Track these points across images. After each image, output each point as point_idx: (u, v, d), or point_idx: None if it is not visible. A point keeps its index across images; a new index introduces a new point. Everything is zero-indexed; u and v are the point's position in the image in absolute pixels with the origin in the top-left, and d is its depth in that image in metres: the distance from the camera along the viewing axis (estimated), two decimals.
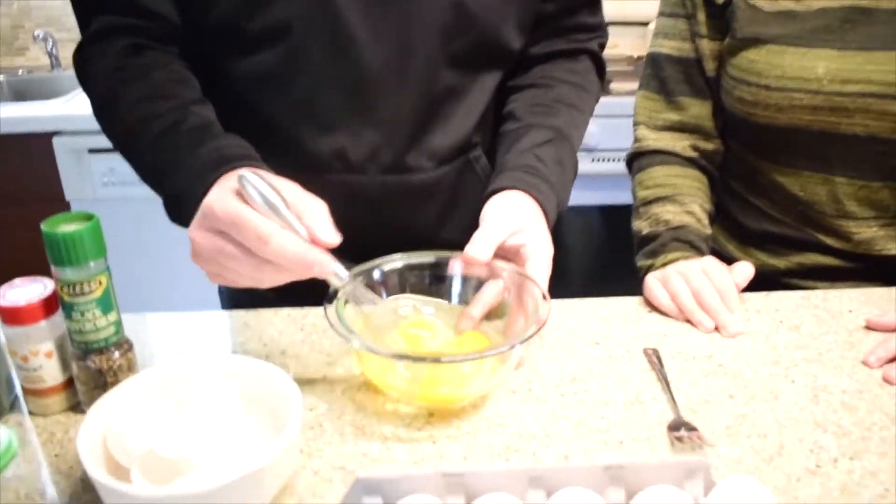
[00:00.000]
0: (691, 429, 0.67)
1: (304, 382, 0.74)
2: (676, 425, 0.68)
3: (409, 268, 0.77)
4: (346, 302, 0.71)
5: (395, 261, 0.77)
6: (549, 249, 0.77)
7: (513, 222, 0.76)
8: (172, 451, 0.56)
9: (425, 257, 0.77)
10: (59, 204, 1.98)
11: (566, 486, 0.53)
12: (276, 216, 0.61)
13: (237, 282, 0.65)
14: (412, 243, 0.79)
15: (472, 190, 0.88)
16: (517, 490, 0.53)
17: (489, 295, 0.76)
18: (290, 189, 0.64)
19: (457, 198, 0.94)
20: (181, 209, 0.69)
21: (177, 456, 0.56)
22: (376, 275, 0.75)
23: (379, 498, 0.53)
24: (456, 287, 0.78)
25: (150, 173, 0.77)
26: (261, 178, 0.61)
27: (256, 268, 0.62)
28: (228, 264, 0.62)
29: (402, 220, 0.92)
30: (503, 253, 0.76)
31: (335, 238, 0.62)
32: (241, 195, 0.61)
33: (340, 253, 0.64)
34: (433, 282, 0.77)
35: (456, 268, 0.76)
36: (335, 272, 0.64)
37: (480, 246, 0.73)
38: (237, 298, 1.05)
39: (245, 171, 0.62)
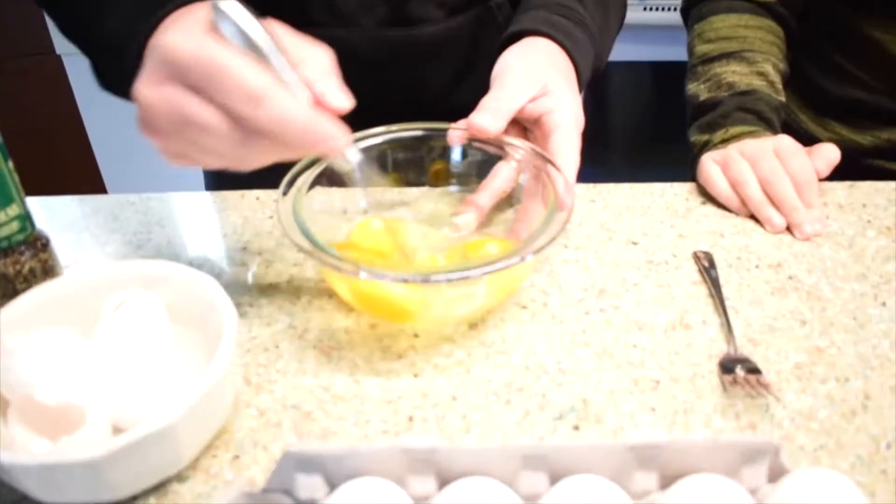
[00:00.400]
0: (751, 369, 0.52)
1: (265, 288, 0.59)
2: (731, 362, 0.52)
3: (392, 145, 0.60)
4: (313, 187, 0.55)
5: (374, 136, 0.59)
6: (578, 120, 0.59)
7: (533, 82, 0.59)
8: (55, 396, 0.42)
9: (412, 130, 0.60)
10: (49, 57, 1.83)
11: (576, 470, 0.38)
12: (268, 66, 0.42)
13: (206, 161, 0.46)
14: (418, 114, 0.62)
15: (492, 48, 0.69)
16: (508, 471, 0.39)
17: (498, 181, 0.59)
18: (281, 31, 0.45)
19: (473, 58, 0.76)
20: (119, 62, 0.50)
21: (61, 403, 0.42)
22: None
23: (318, 476, 0.39)
24: (454, 170, 0.61)
25: (72, 16, 0.59)
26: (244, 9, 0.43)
27: (242, 142, 0.43)
28: (198, 137, 0.44)
29: (405, 86, 0.75)
30: (520, 123, 0.60)
31: (347, 101, 0.45)
32: (215, 34, 0.42)
33: None
34: (422, 163, 0.61)
35: (455, 139, 0.59)
36: (345, 151, 0.46)
37: (490, 114, 0.57)
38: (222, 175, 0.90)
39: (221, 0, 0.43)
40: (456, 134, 0.59)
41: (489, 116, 0.57)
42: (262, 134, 0.42)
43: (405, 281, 0.48)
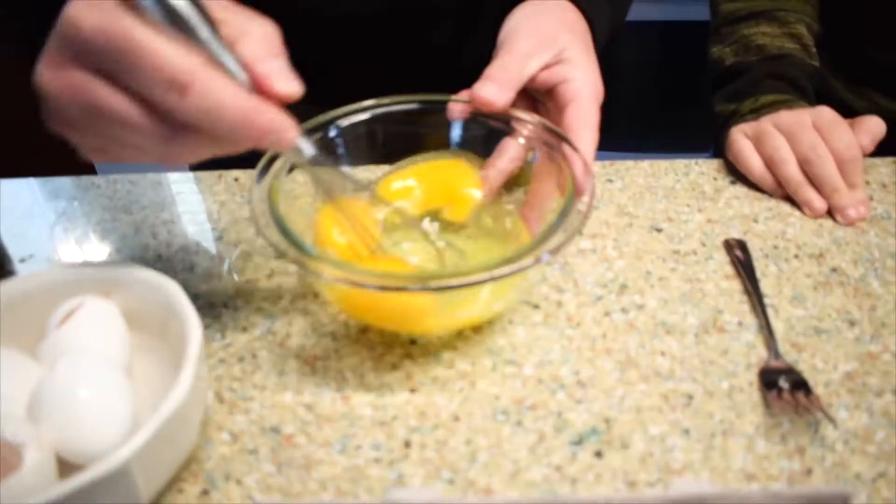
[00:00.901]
0: (796, 382, 0.45)
1: (243, 286, 0.53)
2: (773, 373, 0.46)
3: (381, 120, 0.52)
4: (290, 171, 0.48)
5: (362, 111, 0.52)
6: (597, 91, 0.52)
7: (546, 47, 0.52)
8: None
9: (406, 103, 0.53)
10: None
11: None
12: (197, 45, 0.35)
13: (130, 157, 0.38)
14: (419, 75, 0.55)
15: (499, 2, 0.61)
16: None
17: (503, 160, 0.52)
18: (216, 3, 0.37)
19: (479, 14, 0.68)
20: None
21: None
22: (332, 133, 0.51)
23: None
24: (453, 147, 0.54)
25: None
26: None
27: (166, 137, 0.36)
28: (113, 131, 0.36)
29: (405, 44, 0.67)
30: (531, 93, 0.53)
31: (295, 86, 0.37)
32: (129, 6, 0.34)
33: (317, 100, 0.40)
34: (417, 140, 0.53)
35: (456, 114, 0.52)
36: (296, 143, 0.38)
37: (496, 84, 0.50)
38: None
39: None
40: (457, 108, 0.52)
41: (495, 87, 0.50)
42: (190, 127, 0.35)
43: (398, 289, 0.40)
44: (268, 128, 0.35)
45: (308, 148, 0.40)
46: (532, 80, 0.52)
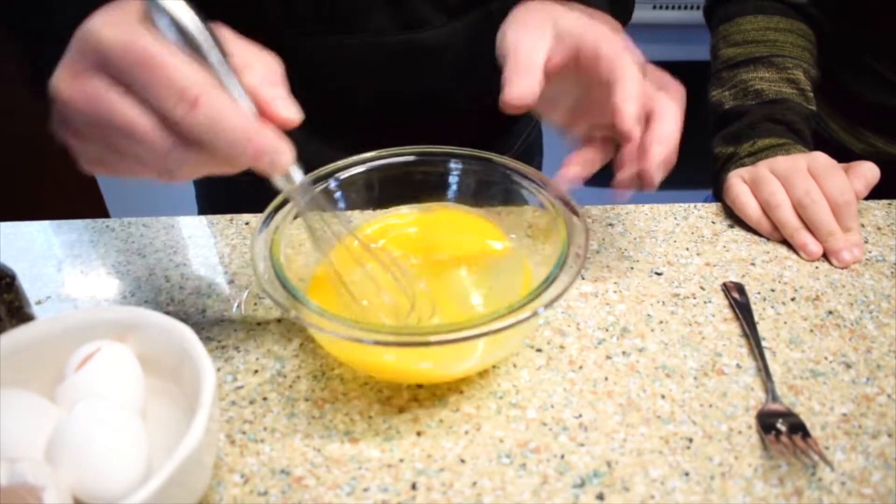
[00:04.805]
0: (794, 425, 0.46)
1: (253, 328, 0.54)
2: (771, 416, 0.47)
3: (378, 170, 0.54)
4: (295, 218, 0.49)
5: (360, 163, 0.54)
6: (614, 39, 0.49)
7: (541, 27, 0.50)
8: (9, 475, 0.37)
9: (402, 155, 0.54)
10: None
11: None
12: (207, 68, 0.37)
13: (127, 169, 0.40)
14: (417, 119, 0.56)
15: (492, 53, 0.63)
16: None
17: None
18: (227, 35, 0.39)
19: (474, 64, 0.70)
20: (43, 55, 0.43)
21: (15, 484, 0.37)
22: (332, 185, 0.53)
23: None
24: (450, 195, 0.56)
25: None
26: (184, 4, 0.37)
27: (169, 149, 0.37)
28: (120, 140, 0.37)
29: (403, 92, 0.69)
30: (562, 83, 0.51)
31: (295, 113, 0.39)
32: (149, 27, 0.37)
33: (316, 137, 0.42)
34: (413, 190, 0.55)
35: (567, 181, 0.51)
36: (288, 170, 0.40)
37: (516, 79, 0.48)
38: (216, 191, 0.84)
39: None
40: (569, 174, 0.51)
41: (518, 83, 0.47)
42: (193, 141, 0.37)
43: (395, 345, 0.42)
44: (265, 148, 0.37)
45: (298, 174, 0.41)
46: (550, 69, 0.49)
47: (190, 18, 0.36)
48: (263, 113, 0.38)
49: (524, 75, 0.48)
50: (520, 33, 0.50)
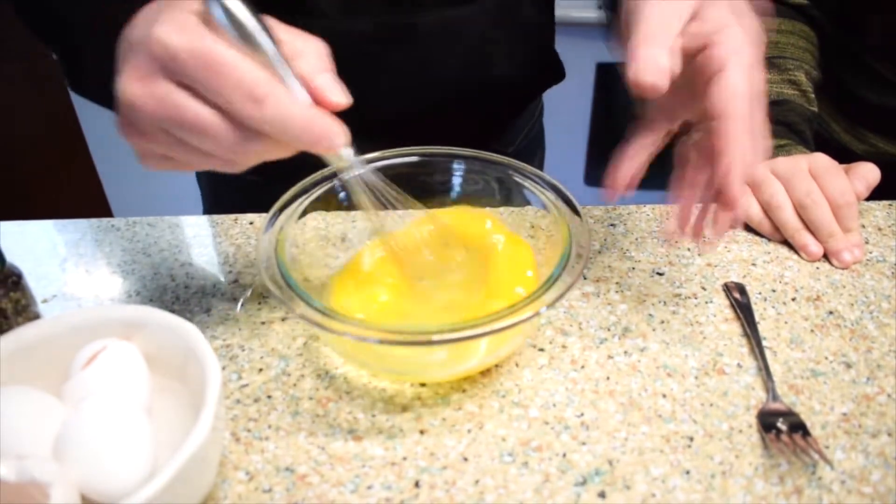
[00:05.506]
0: (794, 424, 0.46)
1: (258, 327, 0.54)
2: (772, 415, 0.47)
3: (383, 172, 0.55)
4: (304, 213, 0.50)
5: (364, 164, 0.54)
6: (746, 51, 0.45)
7: (679, 4, 0.45)
8: (17, 472, 0.37)
9: (408, 155, 0.55)
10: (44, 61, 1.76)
11: None
12: (263, 61, 0.39)
13: (193, 163, 0.42)
14: (425, 108, 0.56)
15: (509, 43, 0.61)
16: None
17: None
18: (275, 23, 0.41)
19: (487, 53, 0.70)
20: (96, 59, 0.45)
21: (23, 480, 0.37)
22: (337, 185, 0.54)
23: None
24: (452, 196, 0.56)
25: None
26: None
27: (238, 142, 0.39)
28: (191, 138, 0.39)
29: (410, 76, 0.69)
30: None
31: (344, 98, 0.41)
32: (208, 25, 0.39)
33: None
34: (416, 191, 0.55)
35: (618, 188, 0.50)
36: (342, 150, 0.42)
37: (649, 57, 0.43)
38: (220, 191, 0.85)
39: None
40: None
41: (653, 63, 0.42)
42: (260, 134, 0.39)
43: (398, 343, 0.42)
44: (324, 133, 0.40)
45: (349, 154, 0.44)
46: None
47: (246, 15, 0.38)
48: (316, 99, 0.40)
49: (656, 57, 0.43)
50: (651, 4, 0.45)
